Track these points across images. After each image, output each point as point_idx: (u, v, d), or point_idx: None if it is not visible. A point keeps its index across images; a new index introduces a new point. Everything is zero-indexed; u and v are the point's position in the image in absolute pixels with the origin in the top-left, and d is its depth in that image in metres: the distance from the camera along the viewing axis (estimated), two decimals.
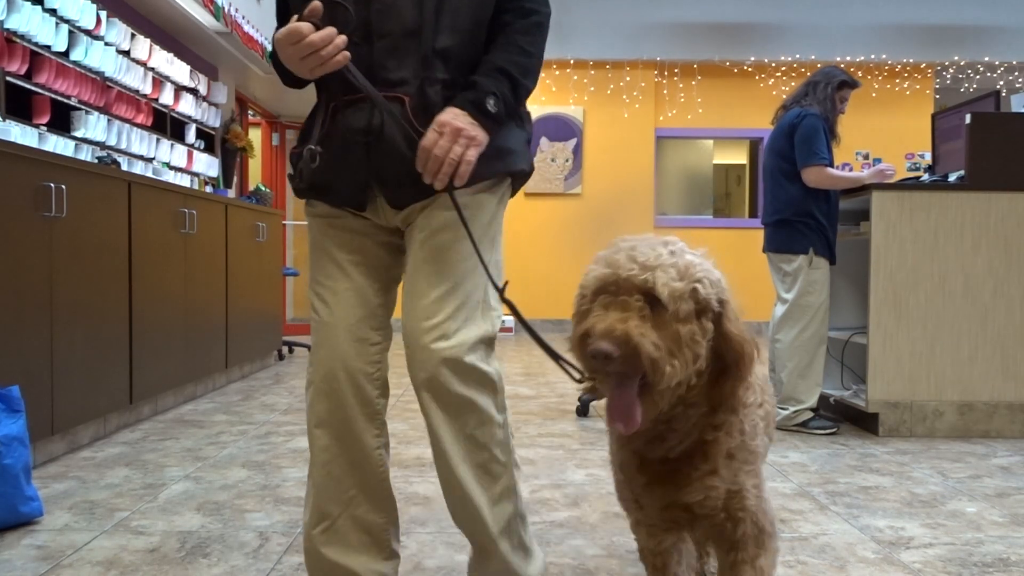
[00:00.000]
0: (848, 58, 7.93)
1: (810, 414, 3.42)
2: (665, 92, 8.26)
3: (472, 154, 1.35)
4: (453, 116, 1.34)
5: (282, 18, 1.49)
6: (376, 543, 1.54)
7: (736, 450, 1.19)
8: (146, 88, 4.46)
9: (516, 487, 1.52)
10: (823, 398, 3.87)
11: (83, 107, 3.86)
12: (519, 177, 1.55)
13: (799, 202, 3.39)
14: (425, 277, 1.43)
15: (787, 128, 3.44)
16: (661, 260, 1.07)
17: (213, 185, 5.48)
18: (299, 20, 1.28)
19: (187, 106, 5.01)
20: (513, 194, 1.58)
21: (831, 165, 3.34)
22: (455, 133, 1.33)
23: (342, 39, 1.29)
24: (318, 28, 1.27)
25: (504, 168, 1.48)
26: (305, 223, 8.41)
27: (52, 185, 2.66)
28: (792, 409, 3.41)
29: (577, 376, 1.24)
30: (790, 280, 3.45)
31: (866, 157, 8.24)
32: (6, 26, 3.25)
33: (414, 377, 1.44)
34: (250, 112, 6.94)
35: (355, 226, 1.50)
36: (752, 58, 7.96)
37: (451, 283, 1.43)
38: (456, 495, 1.47)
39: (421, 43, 1.38)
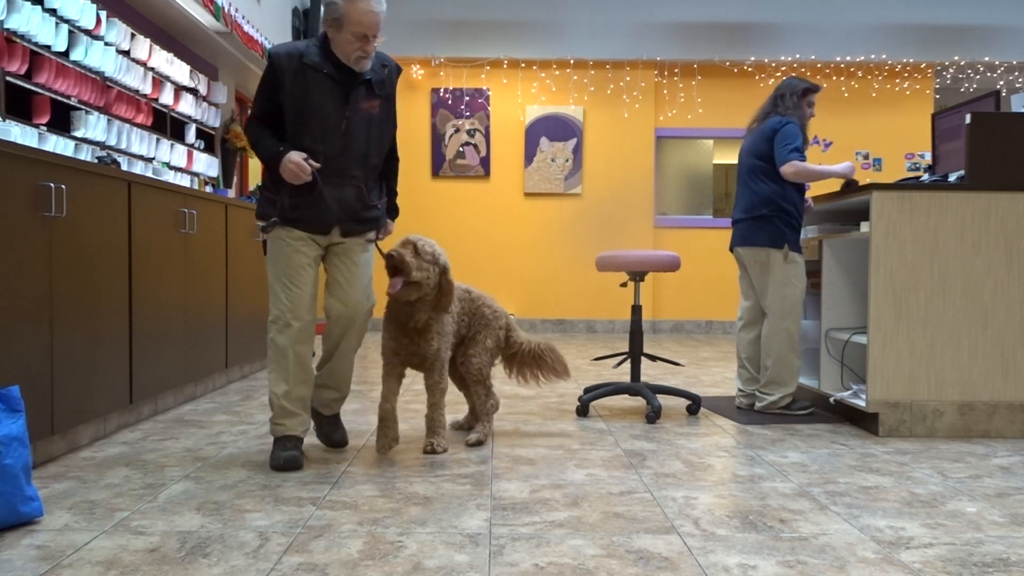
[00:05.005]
0: (848, 58, 7.94)
1: (791, 398, 3.72)
2: (665, 92, 8.26)
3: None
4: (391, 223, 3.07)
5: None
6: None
7: (441, 328, 2.90)
8: (146, 88, 4.47)
9: None
10: (823, 398, 3.87)
11: (83, 107, 3.86)
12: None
13: (777, 198, 3.68)
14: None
15: (769, 132, 3.75)
16: (423, 240, 2.80)
17: (213, 185, 5.48)
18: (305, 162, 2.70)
19: (187, 106, 5.01)
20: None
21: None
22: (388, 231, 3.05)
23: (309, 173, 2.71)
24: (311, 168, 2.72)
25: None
26: None
27: (52, 185, 2.66)
28: (778, 395, 3.71)
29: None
30: (766, 274, 3.72)
31: (866, 157, 8.23)
32: (6, 26, 3.25)
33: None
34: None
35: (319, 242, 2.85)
36: (752, 58, 7.96)
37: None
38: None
39: (366, 160, 2.83)
